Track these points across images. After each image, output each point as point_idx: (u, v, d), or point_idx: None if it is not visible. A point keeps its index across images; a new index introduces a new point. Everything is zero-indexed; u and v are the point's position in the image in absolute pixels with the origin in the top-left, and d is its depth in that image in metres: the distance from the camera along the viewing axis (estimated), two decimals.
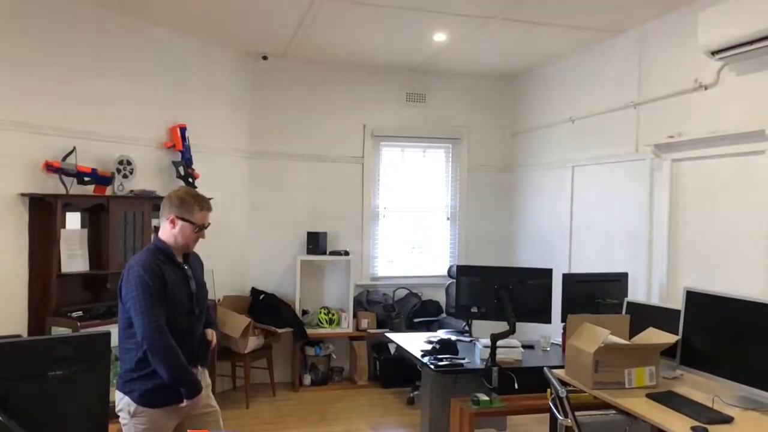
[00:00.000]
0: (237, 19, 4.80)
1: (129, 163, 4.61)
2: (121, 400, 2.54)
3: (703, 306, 3.01)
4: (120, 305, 2.56)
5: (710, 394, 2.80)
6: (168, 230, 2.62)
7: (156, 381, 2.49)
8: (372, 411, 5.30)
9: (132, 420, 2.51)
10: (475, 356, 3.88)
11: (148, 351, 2.44)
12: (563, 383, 2.91)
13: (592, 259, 5.17)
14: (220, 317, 5.15)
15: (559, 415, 2.82)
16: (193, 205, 2.62)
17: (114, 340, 2.03)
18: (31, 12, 4.09)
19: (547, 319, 3.95)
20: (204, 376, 2.72)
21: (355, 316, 6.04)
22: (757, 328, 2.71)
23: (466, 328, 4.89)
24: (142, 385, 2.51)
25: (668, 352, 3.05)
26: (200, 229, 2.64)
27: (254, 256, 5.98)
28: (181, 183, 4.91)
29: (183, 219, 2.60)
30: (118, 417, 2.55)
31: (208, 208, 2.69)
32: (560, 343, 4.11)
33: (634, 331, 3.16)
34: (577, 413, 2.75)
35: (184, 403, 2.53)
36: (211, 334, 2.78)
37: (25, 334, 3.96)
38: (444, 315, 6.09)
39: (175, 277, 2.59)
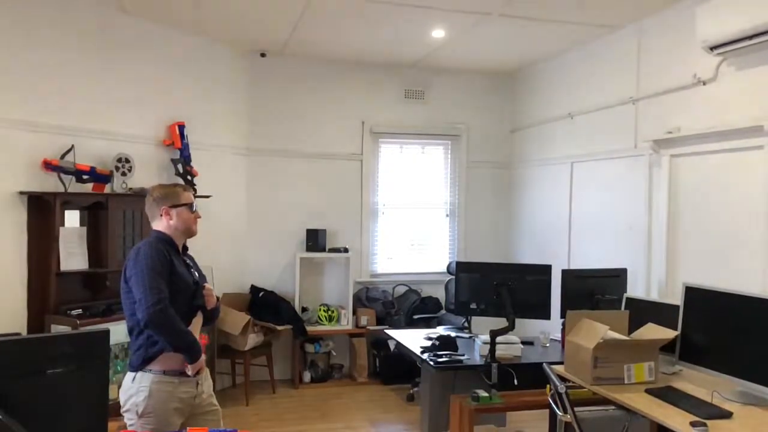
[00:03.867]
0: (235, 16, 4.79)
1: (128, 160, 4.60)
2: (127, 401, 2.54)
3: (702, 301, 3.01)
4: (123, 287, 2.56)
5: (709, 390, 2.81)
6: (165, 223, 2.66)
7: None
8: (372, 408, 5.30)
9: (139, 420, 2.51)
10: (475, 352, 3.89)
11: (148, 322, 2.43)
12: (562, 379, 2.91)
13: (591, 255, 5.18)
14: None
15: (558, 411, 2.83)
16: (175, 190, 2.71)
17: (113, 339, 2.03)
18: (29, 10, 4.08)
19: (546, 315, 3.95)
20: (206, 376, 2.73)
21: (354, 313, 6.04)
22: (756, 324, 2.71)
23: (466, 324, 4.90)
24: (155, 345, 2.52)
25: (667, 347, 3.05)
26: (193, 208, 2.71)
27: (253, 253, 5.98)
28: (180, 180, 4.90)
29: (176, 206, 2.67)
30: (119, 416, 2.55)
31: (189, 189, 2.79)
32: (559, 339, 4.12)
33: (633, 326, 3.17)
34: (576, 409, 2.76)
35: (189, 368, 2.54)
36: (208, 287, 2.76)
37: (24, 332, 3.96)
38: (443, 311, 6.10)
39: (180, 263, 2.64)
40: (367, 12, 4.64)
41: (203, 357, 2.61)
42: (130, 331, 2.59)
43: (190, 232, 2.71)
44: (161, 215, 2.66)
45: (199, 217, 2.75)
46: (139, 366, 2.53)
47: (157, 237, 2.64)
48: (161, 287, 2.46)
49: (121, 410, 2.55)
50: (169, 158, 5.06)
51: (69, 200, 4.15)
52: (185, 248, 2.76)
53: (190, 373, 2.56)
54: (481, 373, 3.65)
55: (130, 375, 2.56)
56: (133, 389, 2.52)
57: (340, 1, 4.40)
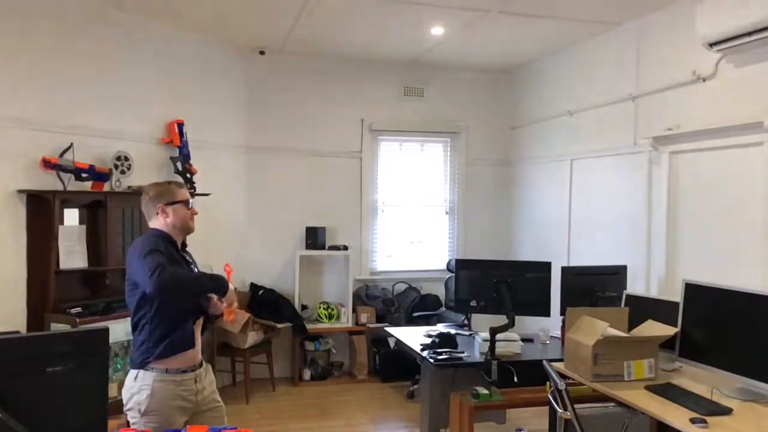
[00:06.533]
0: (234, 13, 4.78)
1: (127, 159, 4.60)
2: (129, 399, 2.53)
3: (701, 298, 3.01)
4: (127, 285, 2.55)
5: (709, 386, 2.81)
6: (162, 221, 2.65)
7: (170, 337, 2.52)
8: (372, 405, 5.31)
9: (142, 419, 2.50)
10: (475, 350, 3.88)
11: (156, 288, 2.35)
12: (562, 376, 2.92)
13: (590, 252, 5.17)
14: None
15: (558, 408, 2.83)
16: (170, 188, 2.70)
17: (113, 337, 2.03)
18: (28, 7, 4.07)
19: (546, 313, 3.95)
20: (207, 373, 2.73)
21: (354, 310, 6.04)
22: (755, 320, 2.72)
23: (466, 321, 4.90)
24: (158, 344, 2.52)
25: (667, 344, 3.05)
26: (189, 205, 2.71)
27: (253, 251, 5.97)
28: (179, 179, 4.90)
29: (171, 203, 2.66)
30: (119, 414, 2.54)
31: (184, 186, 2.80)
32: (559, 336, 4.12)
33: (633, 323, 3.17)
34: (576, 406, 2.77)
35: (223, 305, 2.59)
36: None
37: (23, 330, 3.95)
38: (443, 309, 6.10)
39: (179, 259, 2.64)
40: (366, 9, 4.63)
41: (232, 287, 2.61)
42: (134, 329, 2.59)
43: (187, 229, 2.71)
44: (158, 213, 2.65)
45: (196, 213, 2.74)
46: (141, 364, 2.53)
47: (154, 234, 2.63)
48: (157, 259, 2.41)
49: (124, 408, 2.55)
50: (168, 156, 5.05)
51: (68, 198, 4.14)
52: (184, 245, 2.76)
53: (224, 308, 2.60)
54: (480, 371, 3.65)
55: (132, 373, 2.56)
56: (135, 387, 2.52)
57: None
